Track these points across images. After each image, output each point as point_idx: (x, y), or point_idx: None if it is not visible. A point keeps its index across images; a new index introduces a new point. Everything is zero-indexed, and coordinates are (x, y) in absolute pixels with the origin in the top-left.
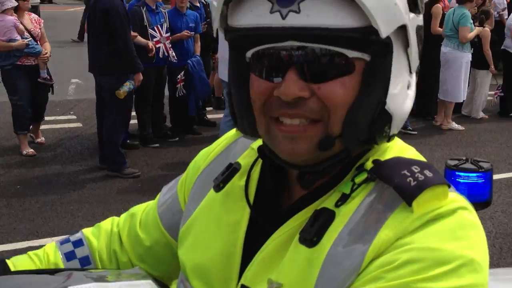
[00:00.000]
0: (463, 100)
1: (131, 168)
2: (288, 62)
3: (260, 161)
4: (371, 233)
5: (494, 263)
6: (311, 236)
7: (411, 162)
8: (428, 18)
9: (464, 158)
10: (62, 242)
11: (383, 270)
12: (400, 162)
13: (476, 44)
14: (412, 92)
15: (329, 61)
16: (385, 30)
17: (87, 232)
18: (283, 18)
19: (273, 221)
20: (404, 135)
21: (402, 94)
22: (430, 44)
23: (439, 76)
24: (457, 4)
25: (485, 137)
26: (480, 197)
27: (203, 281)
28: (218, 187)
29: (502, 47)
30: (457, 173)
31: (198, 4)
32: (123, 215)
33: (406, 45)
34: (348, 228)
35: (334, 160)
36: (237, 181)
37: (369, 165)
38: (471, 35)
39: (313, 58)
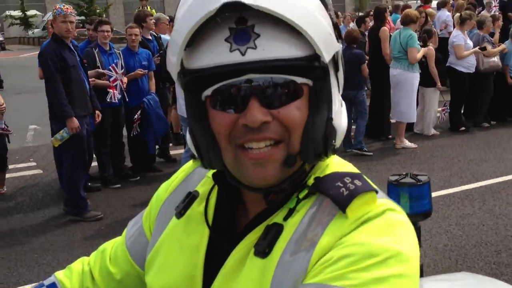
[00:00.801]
0: None
1: (93, 211)
2: (248, 93)
3: (216, 187)
4: (314, 240)
5: None
6: (263, 248)
7: (344, 174)
8: (375, 41)
9: (404, 173)
10: None
11: (323, 267)
12: (335, 176)
13: (424, 63)
14: (344, 109)
15: (283, 88)
16: (327, 56)
17: (60, 274)
18: (243, 54)
19: (232, 239)
20: (360, 156)
21: (339, 111)
22: (378, 66)
23: (390, 97)
24: (401, 26)
25: (437, 153)
26: (421, 208)
27: None
28: (179, 214)
29: (447, 64)
30: (398, 187)
31: (150, 37)
32: (94, 253)
33: (335, 69)
34: (294, 238)
35: (293, 177)
36: (197, 207)
37: (311, 182)
38: (419, 55)
39: (270, 87)
